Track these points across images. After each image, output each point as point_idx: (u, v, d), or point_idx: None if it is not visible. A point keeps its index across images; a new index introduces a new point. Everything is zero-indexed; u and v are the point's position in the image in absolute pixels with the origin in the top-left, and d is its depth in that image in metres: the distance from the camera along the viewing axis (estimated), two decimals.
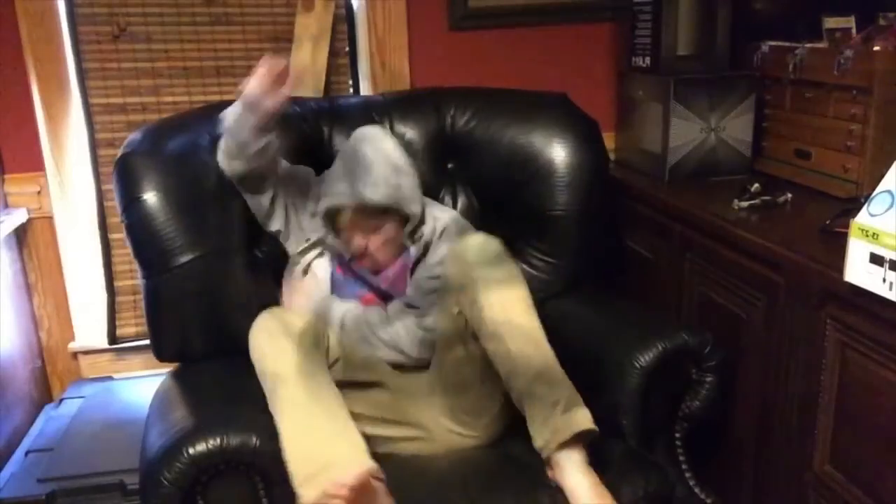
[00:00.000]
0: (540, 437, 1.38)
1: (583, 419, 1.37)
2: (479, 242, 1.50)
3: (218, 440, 1.29)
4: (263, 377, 1.40)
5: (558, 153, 1.84)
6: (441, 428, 1.55)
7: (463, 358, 1.52)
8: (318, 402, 1.35)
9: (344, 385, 1.44)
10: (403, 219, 1.65)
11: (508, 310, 1.43)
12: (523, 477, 1.44)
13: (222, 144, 1.59)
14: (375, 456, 1.34)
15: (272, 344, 1.40)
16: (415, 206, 1.66)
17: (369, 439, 1.39)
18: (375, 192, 1.60)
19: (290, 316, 1.44)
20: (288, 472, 1.29)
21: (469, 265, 1.46)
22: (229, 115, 1.55)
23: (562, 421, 1.36)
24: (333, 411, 1.36)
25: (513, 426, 1.53)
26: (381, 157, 1.63)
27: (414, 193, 1.66)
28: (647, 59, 2.11)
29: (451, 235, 1.69)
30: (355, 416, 1.40)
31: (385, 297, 1.66)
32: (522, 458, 1.48)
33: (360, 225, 1.62)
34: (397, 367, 1.60)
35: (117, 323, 2.23)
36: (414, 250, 1.68)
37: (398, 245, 1.67)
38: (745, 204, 1.72)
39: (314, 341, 1.41)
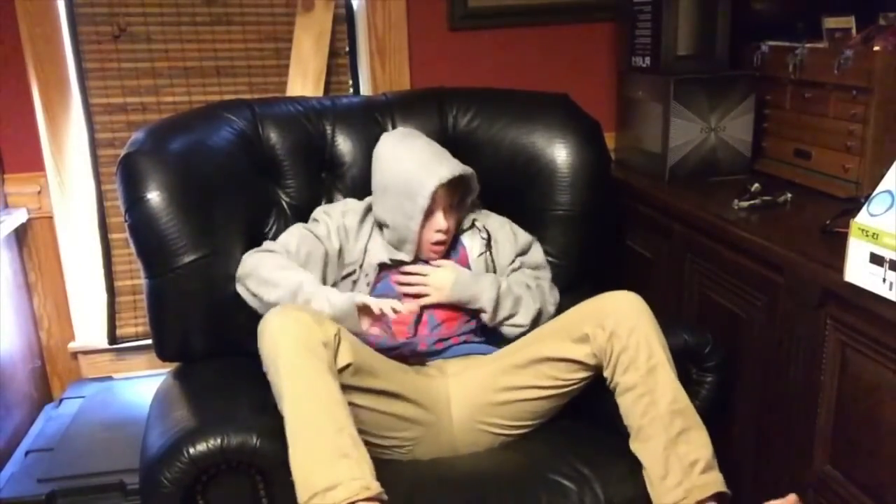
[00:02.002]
0: (670, 494, 1.35)
1: (719, 481, 1.37)
2: (631, 300, 1.47)
3: (218, 440, 1.28)
4: (271, 374, 1.35)
5: (560, 153, 1.85)
6: (456, 444, 1.54)
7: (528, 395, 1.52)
8: (327, 413, 1.29)
9: (352, 390, 1.39)
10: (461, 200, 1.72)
11: (653, 368, 1.40)
12: (527, 476, 1.44)
13: (257, 303, 1.55)
14: (377, 463, 1.31)
15: (283, 343, 1.34)
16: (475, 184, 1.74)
17: (372, 446, 1.39)
18: (461, 167, 1.67)
19: (303, 314, 1.37)
20: (293, 479, 1.27)
21: (622, 320, 1.42)
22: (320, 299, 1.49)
23: (700, 480, 1.35)
24: (341, 424, 1.29)
25: None
26: (435, 144, 1.74)
27: None
28: (647, 59, 2.11)
29: (506, 227, 1.78)
30: (359, 423, 1.39)
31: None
32: (528, 456, 1.49)
33: (447, 204, 1.66)
34: (417, 373, 1.59)
35: (117, 323, 2.23)
36: (474, 242, 1.73)
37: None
38: (745, 204, 1.72)
39: (325, 343, 1.34)
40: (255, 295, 1.55)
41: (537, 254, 1.80)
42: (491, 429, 1.54)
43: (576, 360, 1.47)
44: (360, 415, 1.40)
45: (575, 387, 1.51)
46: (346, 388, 1.36)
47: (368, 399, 1.42)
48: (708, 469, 1.36)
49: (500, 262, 1.75)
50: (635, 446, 1.40)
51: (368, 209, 1.74)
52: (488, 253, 1.74)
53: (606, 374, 1.43)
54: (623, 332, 1.41)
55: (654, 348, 1.41)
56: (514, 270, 1.75)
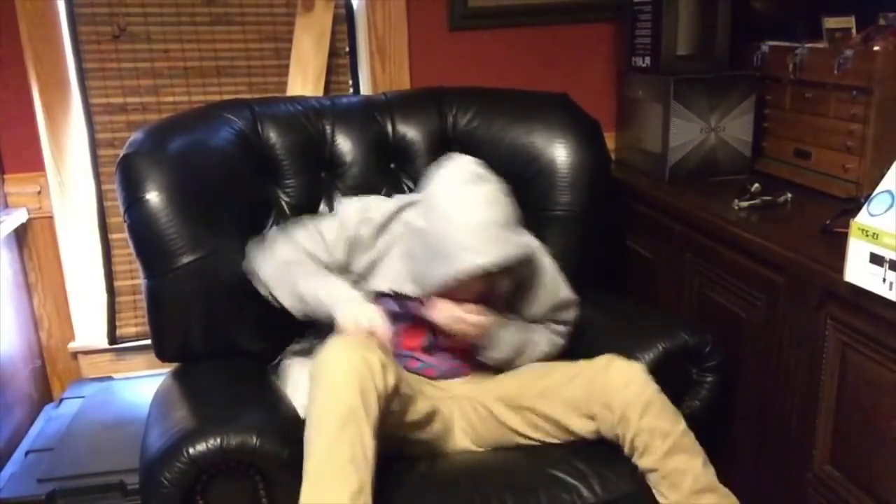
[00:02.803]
0: None
1: None
2: (634, 375, 1.41)
3: (218, 440, 1.28)
4: (314, 405, 1.31)
5: (560, 153, 1.85)
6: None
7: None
8: (353, 472, 1.25)
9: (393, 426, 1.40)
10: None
11: (669, 452, 1.38)
12: (526, 472, 1.45)
13: (268, 276, 1.54)
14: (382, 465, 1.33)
15: (341, 387, 1.28)
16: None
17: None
18: (515, 250, 1.46)
19: (372, 356, 1.31)
20: None
21: (628, 407, 1.38)
22: (304, 287, 1.47)
23: None
24: (363, 486, 1.25)
25: None
26: (502, 205, 1.49)
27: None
28: (647, 59, 2.11)
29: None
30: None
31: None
32: (527, 453, 1.50)
33: (486, 284, 1.48)
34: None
35: (117, 323, 2.23)
36: None
37: None
38: (745, 204, 1.72)
39: (383, 392, 1.30)
40: (275, 298, 1.54)
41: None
42: (484, 448, 1.56)
43: (578, 432, 1.46)
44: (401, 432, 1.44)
45: (570, 444, 1.50)
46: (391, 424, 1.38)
47: (405, 429, 1.45)
48: None
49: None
50: None
51: (397, 212, 1.58)
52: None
53: (625, 451, 1.41)
54: (633, 415, 1.37)
55: (667, 428, 1.38)
56: None
